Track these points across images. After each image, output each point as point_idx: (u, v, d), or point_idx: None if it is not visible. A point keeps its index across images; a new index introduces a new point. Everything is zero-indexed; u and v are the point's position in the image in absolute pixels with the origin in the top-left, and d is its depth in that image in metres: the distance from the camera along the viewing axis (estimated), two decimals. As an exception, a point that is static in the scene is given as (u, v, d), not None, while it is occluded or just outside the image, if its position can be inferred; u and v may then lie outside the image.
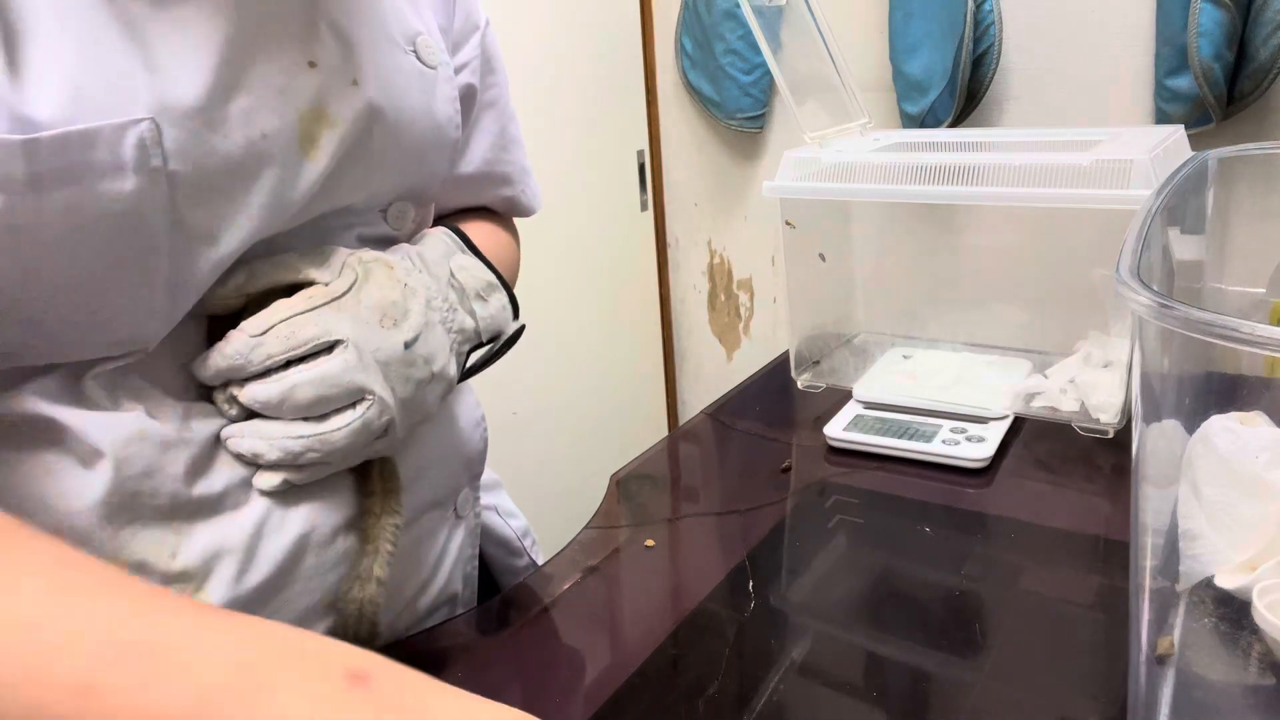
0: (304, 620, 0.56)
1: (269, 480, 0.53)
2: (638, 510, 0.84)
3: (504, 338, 0.64)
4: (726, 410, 1.05)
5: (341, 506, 0.57)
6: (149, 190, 0.45)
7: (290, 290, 0.54)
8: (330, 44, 0.53)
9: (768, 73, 1.79)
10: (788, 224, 1.02)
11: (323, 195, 0.55)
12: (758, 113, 1.86)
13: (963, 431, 0.88)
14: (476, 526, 0.72)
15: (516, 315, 0.66)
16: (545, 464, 1.83)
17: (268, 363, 0.52)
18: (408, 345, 0.56)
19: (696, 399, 2.19)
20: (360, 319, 0.54)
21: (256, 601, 0.53)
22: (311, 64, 0.52)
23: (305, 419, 0.53)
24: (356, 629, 0.58)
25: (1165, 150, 0.83)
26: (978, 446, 0.85)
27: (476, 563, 0.73)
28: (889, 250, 1.15)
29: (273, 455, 0.52)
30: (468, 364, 0.63)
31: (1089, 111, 1.53)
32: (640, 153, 2.02)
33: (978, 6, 1.49)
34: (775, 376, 1.12)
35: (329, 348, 0.53)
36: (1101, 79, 1.52)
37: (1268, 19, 1.30)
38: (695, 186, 2.06)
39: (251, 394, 0.52)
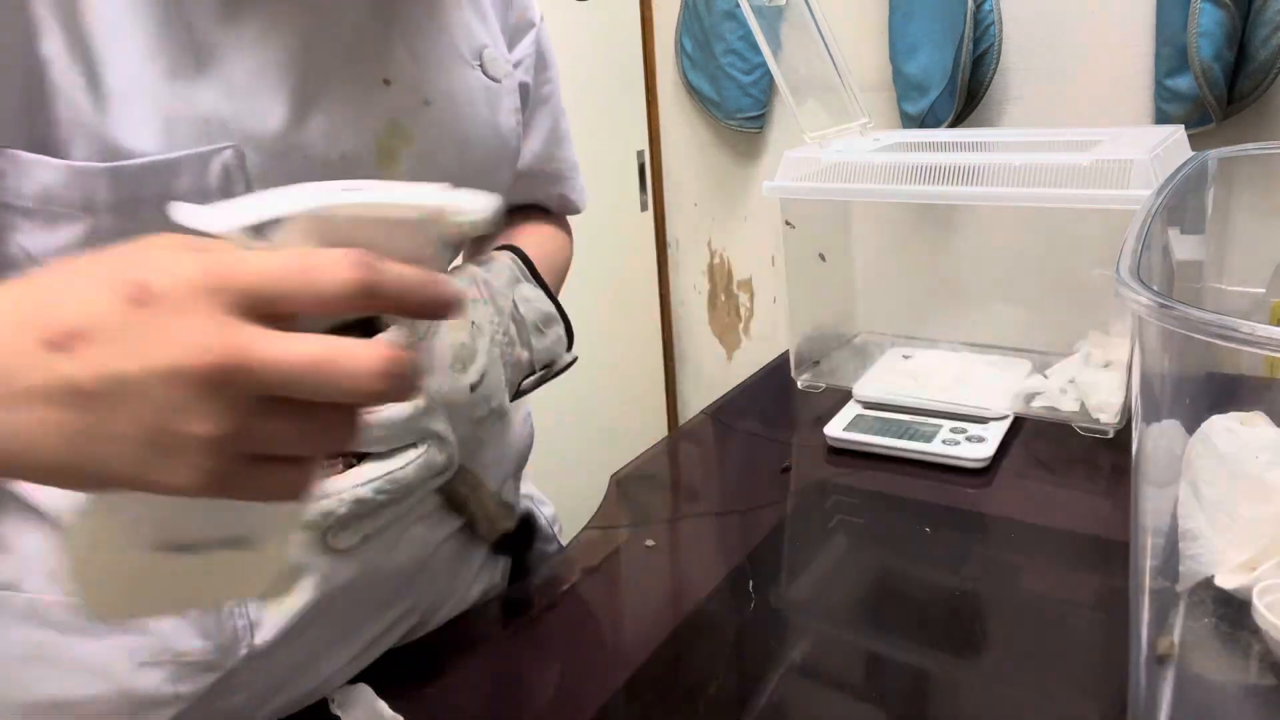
0: None
1: (347, 538, 0.53)
2: (638, 510, 0.84)
3: (555, 368, 0.65)
4: (726, 410, 1.05)
5: (443, 524, 0.62)
6: None
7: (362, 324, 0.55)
8: (404, 61, 0.54)
9: (768, 73, 1.79)
10: (788, 224, 1.02)
11: None
12: (758, 113, 1.86)
13: (963, 431, 0.88)
14: (519, 514, 0.74)
15: (570, 346, 0.66)
16: (545, 464, 1.83)
17: None
18: (473, 388, 0.56)
19: (696, 399, 2.19)
20: (432, 364, 0.54)
21: None
22: (386, 81, 0.53)
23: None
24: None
25: (1165, 150, 0.83)
26: (978, 446, 0.85)
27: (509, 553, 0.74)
28: (889, 250, 1.15)
29: (344, 510, 0.52)
30: (518, 390, 0.64)
31: (1089, 111, 1.53)
32: (640, 153, 2.02)
33: (978, 6, 1.49)
34: (775, 376, 1.12)
35: None
36: (1101, 79, 1.51)
37: (1268, 19, 1.30)
38: (695, 186, 2.06)
39: None
